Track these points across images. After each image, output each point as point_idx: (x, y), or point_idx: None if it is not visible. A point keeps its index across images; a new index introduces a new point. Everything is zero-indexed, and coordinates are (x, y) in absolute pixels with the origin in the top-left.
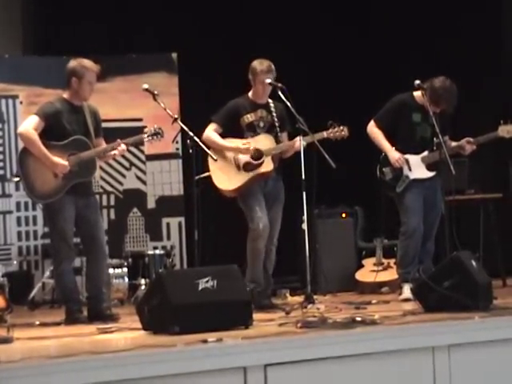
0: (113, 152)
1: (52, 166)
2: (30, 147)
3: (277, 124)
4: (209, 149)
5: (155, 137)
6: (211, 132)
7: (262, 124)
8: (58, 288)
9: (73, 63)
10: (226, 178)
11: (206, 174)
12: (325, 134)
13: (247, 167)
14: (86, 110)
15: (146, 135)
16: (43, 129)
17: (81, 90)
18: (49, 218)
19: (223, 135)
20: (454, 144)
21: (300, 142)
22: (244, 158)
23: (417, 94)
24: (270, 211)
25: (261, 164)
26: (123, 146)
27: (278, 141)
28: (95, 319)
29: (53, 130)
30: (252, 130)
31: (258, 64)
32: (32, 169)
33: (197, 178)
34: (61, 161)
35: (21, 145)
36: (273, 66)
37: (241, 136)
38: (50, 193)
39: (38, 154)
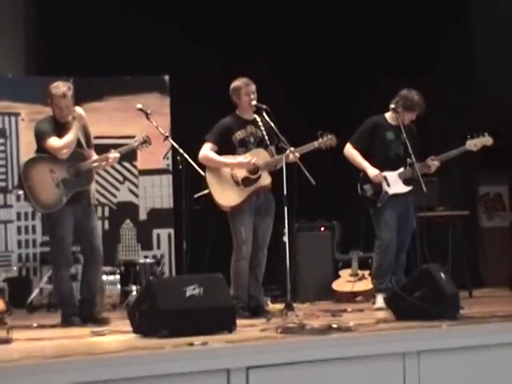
0: (107, 161)
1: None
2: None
3: (266, 138)
4: (200, 166)
5: (144, 144)
6: (208, 151)
7: (252, 139)
8: (55, 292)
9: (49, 87)
10: (226, 194)
11: (205, 191)
12: (315, 143)
13: (246, 182)
14: (74, 125)
15: (136, 143)
16: (40, 145)
17: (54, 111)
18: (49, 227)
19: (217, 153)
20: (418, 165)
21: (292, 155)
22: (242, 174)
23: (388, 114)
24: (261, 223)
25: (258, 178)
26: (116, 154)
27: (269, 154)
28: (88, 322)
29: None
30: (244, 145)
31: (238, 81)
32: (35, 181)
33: (196, 196)
34: None
35: (22, 159)
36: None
37: (233, 152)
38: (53, 202)
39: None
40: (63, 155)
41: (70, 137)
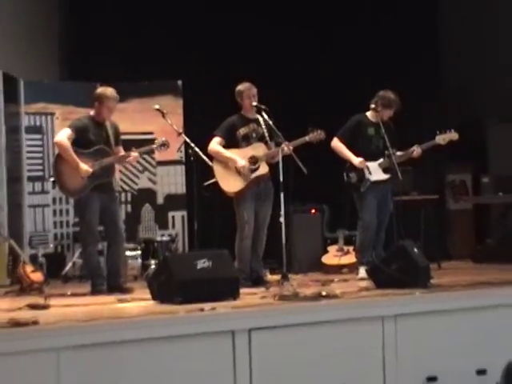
0: (128, 159)
1: (78, 169)
2: (62, 153)
3: (266, 134)
4: (208, 158)
5: (162, 147)
6: (216, 145)
7: (254, 135)
8: (85, 266)
9: (99, 90)
10: (230, 182)
11: (213, 180)
12: (306, 138)
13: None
14: (108, 125)
15: (155, 145)
16: (74, 139)
17: (100, 112)
18: (78, 210)
19: (224, 146)
20: (399, 153)
21: (286, 148)
22: (243, 164)
23: (369, 113)
24: (262, 207)
25: (257, 168)
26: (136, 154)
27: (268, 148)
28: (114, 291)
29: (81, 140)
30: (246, 140)
31: (241, 86)
32: (64, 171)
33: (205, 184)
34: (85, 166)
35: (56, 152)
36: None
37: (237, 146)
38: (78, 190)
39: (68, 158)
40: (55, 143)
41: (69, 152)
